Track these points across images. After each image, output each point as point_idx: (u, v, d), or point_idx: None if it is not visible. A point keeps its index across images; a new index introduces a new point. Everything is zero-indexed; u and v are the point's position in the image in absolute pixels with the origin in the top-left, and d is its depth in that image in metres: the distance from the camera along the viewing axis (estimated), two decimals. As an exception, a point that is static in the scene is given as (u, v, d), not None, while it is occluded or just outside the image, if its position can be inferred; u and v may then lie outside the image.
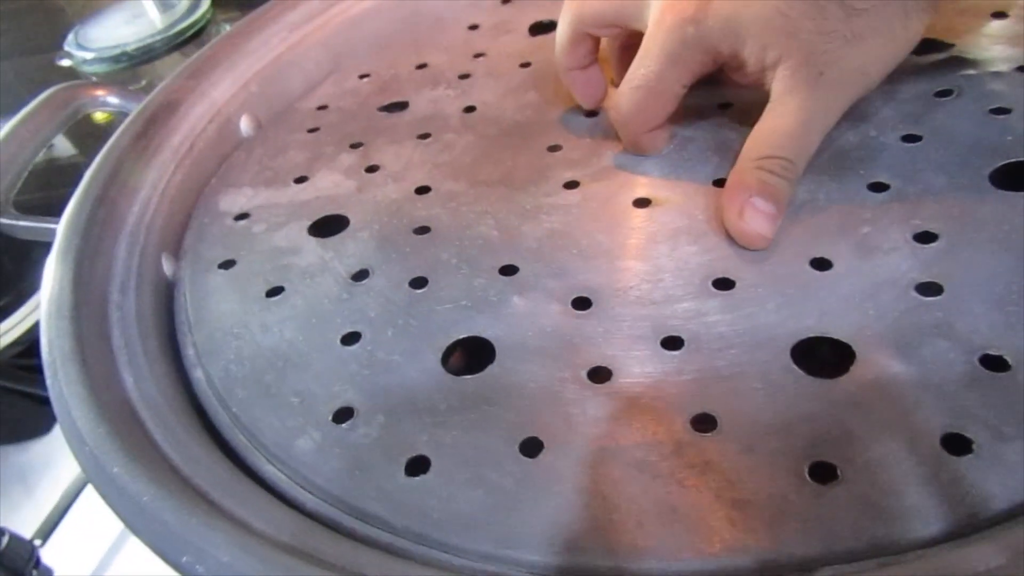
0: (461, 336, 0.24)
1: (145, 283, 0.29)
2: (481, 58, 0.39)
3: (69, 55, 0.59)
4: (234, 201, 0.33)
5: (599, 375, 0.22)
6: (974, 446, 0.18)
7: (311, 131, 0.37)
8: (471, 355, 0.24)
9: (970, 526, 0.17)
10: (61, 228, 0.29)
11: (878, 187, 0.26)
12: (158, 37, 0.57)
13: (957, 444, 0.18)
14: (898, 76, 0.30)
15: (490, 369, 0.23)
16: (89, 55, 0.57)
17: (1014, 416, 0.18)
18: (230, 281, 0.29)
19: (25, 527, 0.40)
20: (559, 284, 0.25)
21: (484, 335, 0.24)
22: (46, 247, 0.28)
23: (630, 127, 0.30)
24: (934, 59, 0.31)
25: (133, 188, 0.31)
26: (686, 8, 0.27)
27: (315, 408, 0.23)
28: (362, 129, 0.36)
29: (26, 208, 0.34)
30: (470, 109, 0.36)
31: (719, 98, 0.32)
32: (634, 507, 0.19)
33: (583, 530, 0.18)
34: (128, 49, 0.55)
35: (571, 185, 0.30)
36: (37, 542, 0.39)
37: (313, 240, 0.30)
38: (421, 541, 0.19)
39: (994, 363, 0.20)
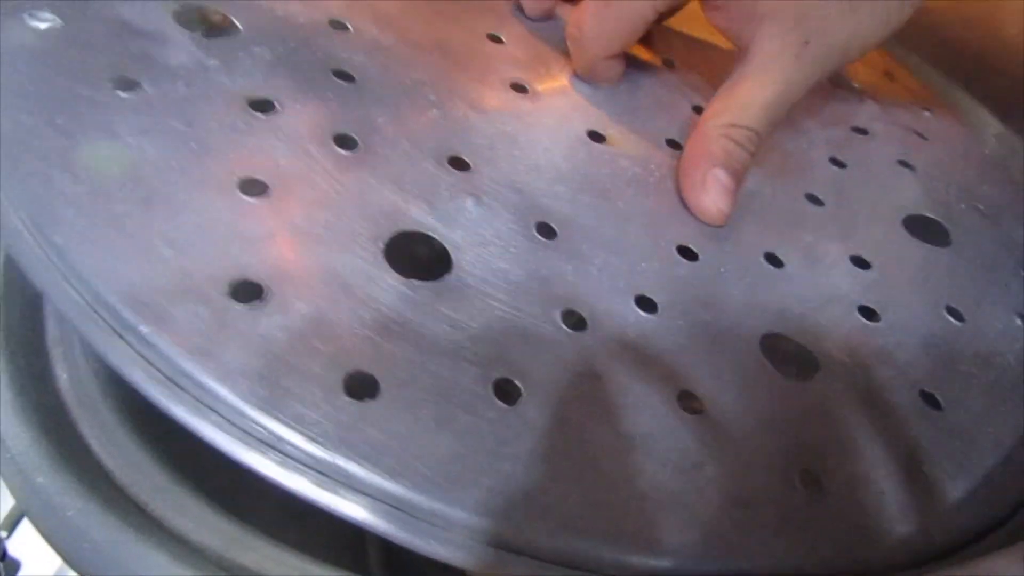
0: (409, 228, 0.19)
1: None
2: None
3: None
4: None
5: (572, 320, 0.19)
6: (929, 478, 0.18)
7: None
8: (412, 255, 0.19)
9: (929, 555, 0.17)
10: None
11: (814, 200, 0.26)
12: None
13: (917, 474, 0.18)
14: (821, 98, 0.31)
15: (447, 280, 0.18)
16: None
17: (951, 456, 0.19)
18: (51, 47, 0.19)
19: (-12, 519, 0.35)
20: (519, 200, 0.21)
21: (436, 236, 0.19)
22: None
23: (590, 49, 0.27)
24: (848, 91, 0.33)
25: None
26: None
27: (201, 270, 0.16)
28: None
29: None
30: (391, -51, 0.29)
31: (663, 54, 0.30)
32: (631, 488, 0.16)
33: (577, 506, 0.15)
34: None
35: (519, 88, 0.26)
36: (3, 534, 0.35)
37: (184, 33, 0.21)
38: (362, 490, 0.14)
39: (930, 400, 0.21)
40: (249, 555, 0.16)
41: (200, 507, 0.17)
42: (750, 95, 0.24)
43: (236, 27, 0.22)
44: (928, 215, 0.27)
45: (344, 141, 0.20)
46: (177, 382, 0.15)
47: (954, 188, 0.29)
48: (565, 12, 0.30)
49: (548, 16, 0.30)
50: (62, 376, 0.20)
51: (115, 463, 0.18)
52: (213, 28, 0.22)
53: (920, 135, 0.32)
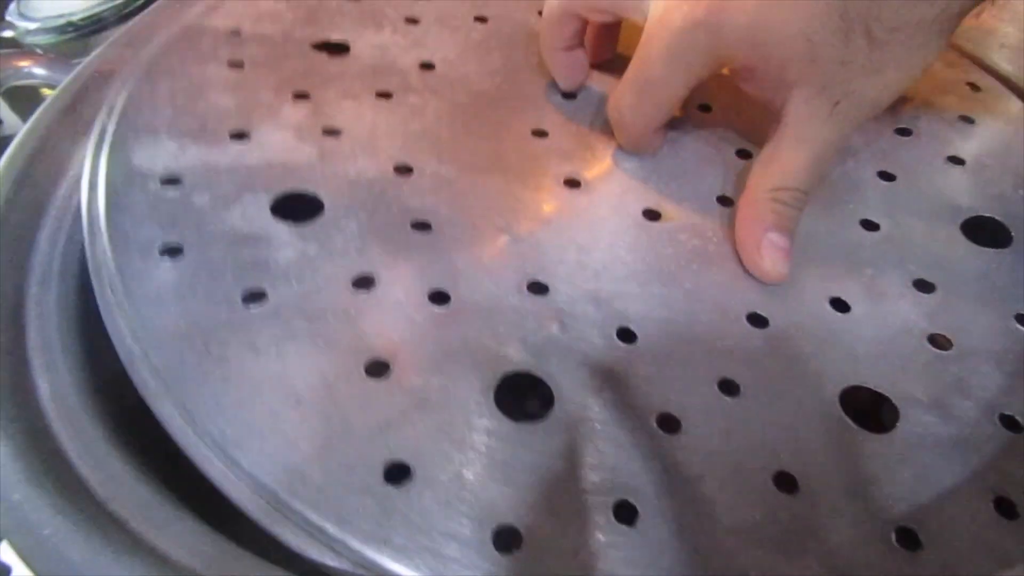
0: (510, 371, 0.22)
1: (69, 275, 0.22)
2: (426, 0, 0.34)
3: (12, 25, 0.48)
4: (153, 156, 0.25)
5: (668, 424, 0.21)
6: (1019, 510, 0.20)
7: (233, 66, 0.29)
8: (512, 392, 0.22)
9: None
10: None
11: (870, 225, 0.28)
12: (107, 6, 0.47)
13: (1007, 508, 0.20)
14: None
15: (553, 414, 0.21)
16: (32, 25, 0.48)
17: (1038, 478, 0.21)
18: (185, 277, 0.22)
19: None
20: (597, 312, 0.24)
21: (535, 372, 0.22)
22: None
23: (631, 129, 0.29)
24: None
25: (59, 168, 0.24)
26: (696, 9, 0.25)
27: (358, 463, 0.19)
28: (301, 72, 0.30)
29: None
30: (428, 66, 0.31)
31: (697, 99, 0.32)
32: (748, 581, 0.18)
33: (705, 610, 0.18)
34: (74, 19, 0.47)
35: (572, 184, 0.28)
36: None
37: (283, 225, 0.24)
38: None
39: (1010, 423, 0.22)
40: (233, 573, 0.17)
41: (182, 522, 0.18)
42: (790, 159, 0.26)
43: (322, 203, 0.25)
44: (986, 215, 0.28)
45: (438, 297, 0.23)
46: (364, 565, 0.18)
47: (1008, 174, 0.30)
48: (594, 79, 0.32)
49: (582, 86, 0.32)
50: (43, 387, 0.20)
51: (96, 477, 0.18)
52: (305, 205, 0.25)
53: (967, 119, 0.32)
